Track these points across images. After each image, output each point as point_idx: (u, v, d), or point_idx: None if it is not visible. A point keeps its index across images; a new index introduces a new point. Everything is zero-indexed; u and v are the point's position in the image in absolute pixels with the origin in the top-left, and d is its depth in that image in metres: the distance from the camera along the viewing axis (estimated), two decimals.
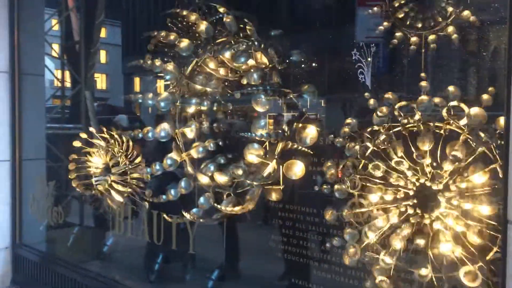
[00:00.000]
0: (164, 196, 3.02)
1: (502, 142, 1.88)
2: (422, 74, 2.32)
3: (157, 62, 2.97)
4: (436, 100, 2.17)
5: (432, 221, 2.12)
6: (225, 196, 2.89)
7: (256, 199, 2.69)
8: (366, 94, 2.43)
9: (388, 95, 2.27)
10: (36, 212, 4.76)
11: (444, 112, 2.14)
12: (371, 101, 2.33)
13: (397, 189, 2.20)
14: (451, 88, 2.14)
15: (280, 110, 2.83)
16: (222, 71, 2.89)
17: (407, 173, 2.17)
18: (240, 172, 2.69)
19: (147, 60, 3.02)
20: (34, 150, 4.96)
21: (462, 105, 2.13)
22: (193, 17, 2.91)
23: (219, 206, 2.75)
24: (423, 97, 2.20)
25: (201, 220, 2.96)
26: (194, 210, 2.90)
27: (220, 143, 2.96)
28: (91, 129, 3.76)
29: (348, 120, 2.37)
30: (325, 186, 2.40)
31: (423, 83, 2.24)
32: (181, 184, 2.96)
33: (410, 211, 2.16)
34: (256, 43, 2.71)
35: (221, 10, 2.82)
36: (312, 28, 3.32)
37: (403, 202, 2.18)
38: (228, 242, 3.28)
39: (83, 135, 3.74)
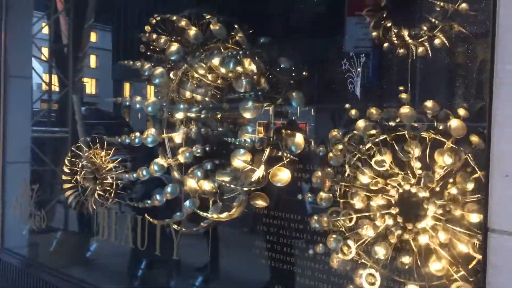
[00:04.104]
0: (149, 201, 2.95)
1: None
2: (401, 88, 2.34)
3: (146, 65, 2.96)
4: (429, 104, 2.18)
5: (417, 232, 2.11)
6: (211, 202, 2.87)
7: (243, 205, 2.66)
8: (347, 105, 2.42)
9: (372, 110, 2.28)
10: (19, 216, 4.70)
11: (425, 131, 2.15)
12: (353, 112, 2.33)
13: (382, 198, 2.20)
14: (428, 104, 2.17)
15: (269, 118, 2.83)
16: (210, 77, 2.89)
17: (392, 178, 2.16)
18: (226, 178, 2.66)
19: (137, 63, 3.01)
20: (18, 153, 4.91)
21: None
22: (183, 22, 2.91)
23: (205, 214, 2.71)
24: (405, 109, 2.22)
25: (183, 230, 2.92)
26: (178, 214, 2.86)
27: (207, 148, 2.94)
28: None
29: (334, 132, 2.37)
30: (309, 195, 2.38)
31: (403, 95, 2.27)
32: (167, 190, 2.91)
33: (393, 220, 2.16)
34: (244, 50, 2.71)
35: (208, 17, 2.81)
36: (302, 37, 3.34)
37: (387, 210, 2.18)
38: (213, 248, 3.26)
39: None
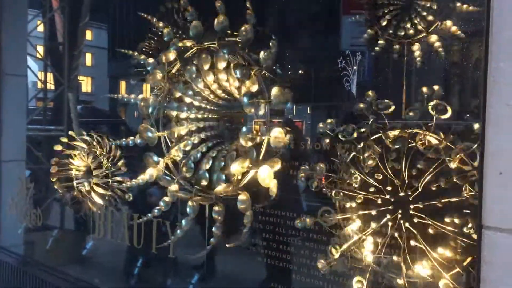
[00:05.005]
0: (156, 210, 2.89)
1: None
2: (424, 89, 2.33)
3: (151, 60, 2.95)
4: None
5: (404, 231, 2.14)
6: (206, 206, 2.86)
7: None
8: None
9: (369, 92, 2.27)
10: (15, 215, 4.69)
11: (430, 109, 2.13)
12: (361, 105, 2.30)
13: (374, 196, 2.22)
14: (435, 87, 2.17)
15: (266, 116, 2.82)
16: (201, 85, 2.88)
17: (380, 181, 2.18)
18: (222, 186, 2.64)
19: (140, 56, 3.01)
20: (14, 152, 4.89)
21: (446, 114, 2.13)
22: (188, 11, 2.87)
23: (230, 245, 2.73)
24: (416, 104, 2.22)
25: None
26: (183, 222, 2.84)
27: (197, 140, 2.93)
28: (71, 133, 3.73)
29: (321, 125, 2.36)
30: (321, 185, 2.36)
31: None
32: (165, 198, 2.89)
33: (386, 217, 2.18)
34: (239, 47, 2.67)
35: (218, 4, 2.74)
36: (298, 36, 3.35)
37: (379, 209, 2.20)
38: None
39: (64, 139, 3.70)
